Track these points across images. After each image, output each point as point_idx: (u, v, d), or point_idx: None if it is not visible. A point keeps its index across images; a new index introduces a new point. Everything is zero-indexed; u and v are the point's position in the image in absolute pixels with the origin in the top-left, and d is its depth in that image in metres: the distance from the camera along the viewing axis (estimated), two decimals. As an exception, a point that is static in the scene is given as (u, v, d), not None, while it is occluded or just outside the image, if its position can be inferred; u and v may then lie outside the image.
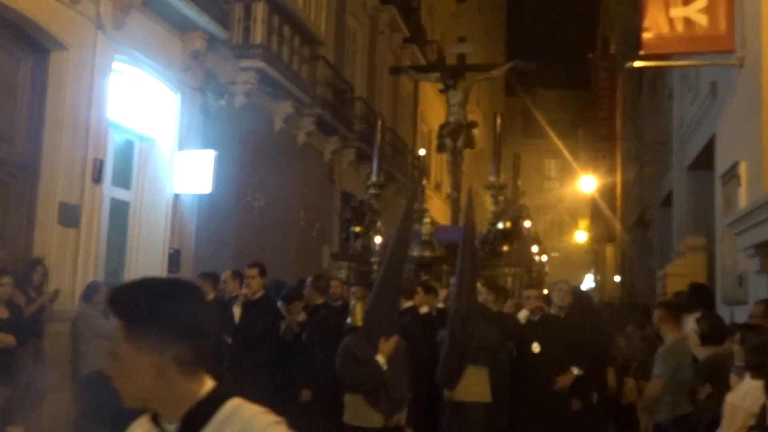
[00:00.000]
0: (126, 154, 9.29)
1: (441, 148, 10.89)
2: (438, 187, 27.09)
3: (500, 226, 8.97)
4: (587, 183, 26.74)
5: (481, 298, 6.68)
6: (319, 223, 14.88)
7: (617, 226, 22.61)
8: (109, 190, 8.91)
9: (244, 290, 6.73)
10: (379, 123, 9.49)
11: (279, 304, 7.02)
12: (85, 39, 7.66)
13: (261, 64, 10.81)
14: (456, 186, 10.94)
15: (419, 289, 6.83)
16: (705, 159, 8.47)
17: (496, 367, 5.76)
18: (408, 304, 6.49)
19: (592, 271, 36.69)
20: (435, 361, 5.76)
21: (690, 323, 5.68)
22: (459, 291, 5.75)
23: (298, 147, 13.65)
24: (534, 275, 9.85)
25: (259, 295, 6.68)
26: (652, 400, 5.35)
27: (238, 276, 7.55)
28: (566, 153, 29.71)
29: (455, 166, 10.80)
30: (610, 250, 26.36)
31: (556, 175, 47.18)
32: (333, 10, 15.15)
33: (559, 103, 44.43)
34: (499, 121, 9.87)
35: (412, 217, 6.24)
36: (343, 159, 16.02)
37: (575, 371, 6.12)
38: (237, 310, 6.51)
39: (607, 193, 23.88)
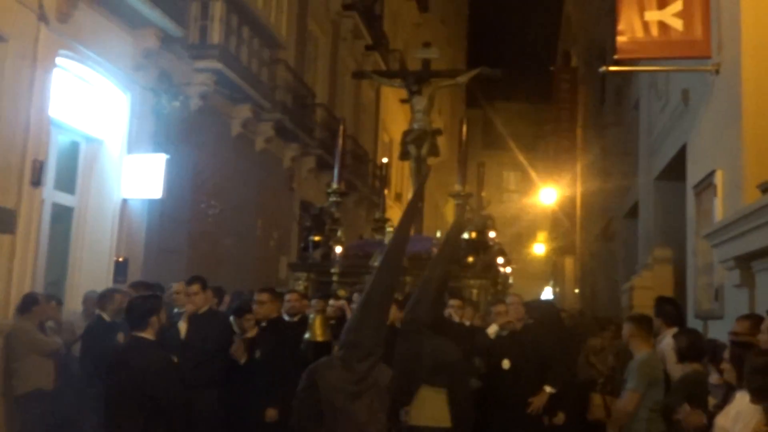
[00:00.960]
0: (70, 156, 8.72)
1: (404, 155, 10.53)
2: (399, 197, 26.80)
3: (465, 236, 8.65)
4: (547, 195, 26.77)
5: (451, 312, 6.34)
6: (278, 232, 14.40)
7: (577, 238, 22.59)
8: (50, 194, 8.33)
9: (189, 306, 6.27)
10: (341, 128, 9.10)
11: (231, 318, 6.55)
12: (25, 31, 7.11)
13: (218, 65, 10.34)
14: (420, 195, 10.58)
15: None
16: (674, 169, 8.29)
17: (455, 389, 5.18)
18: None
19: (551, 283, 36.79)
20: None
21: (667, 339, 5.42)
22: (416, 301, 5.21)
23: (256, 153, 13.18)
24: (500, 287, 9.54)
25: (204, 308, 6.22)
26: (628, 416, 5.05)
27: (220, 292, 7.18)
28: (526, 165, 29.71)
29: (419, 175, 10.45)
30: (569, 262, 26.37)
31: (516, 188, 47.43)
32: (294, 14, 14.75)
33: (519, 116, 44.68)
34: (464, 128, 9.56)
35: (413, 217, 5.37)
36: (302, 167, 15.58)
37: (548, 390, 5.82)
38: (183, 326, 6.03)
39: (568, 205, 23.88)
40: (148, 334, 4.53)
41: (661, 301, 8.02)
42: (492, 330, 6.06)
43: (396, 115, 25.95)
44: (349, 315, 6.71)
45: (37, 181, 7.26)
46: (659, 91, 8.87)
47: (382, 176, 12.08)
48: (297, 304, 6.57)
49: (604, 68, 6.82)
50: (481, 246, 8.78)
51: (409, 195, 25.51)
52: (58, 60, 7.63)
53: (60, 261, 8.54)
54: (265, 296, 6.28)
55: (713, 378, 5.20)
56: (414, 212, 4.52)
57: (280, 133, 13.63)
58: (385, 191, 12.04)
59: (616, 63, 6.86)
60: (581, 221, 22.01)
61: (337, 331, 5.66)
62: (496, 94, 42.18)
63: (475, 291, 8.55)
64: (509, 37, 43.31)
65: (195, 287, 6.35)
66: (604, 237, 14.65)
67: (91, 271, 8.61)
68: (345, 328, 3.92)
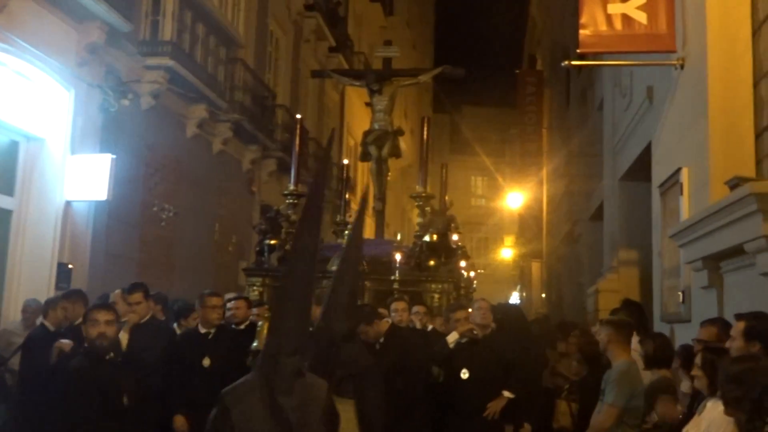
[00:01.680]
0: (9, 156, 8.24)
1: (365, 156, 10.20)
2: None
3: (426, 238, 8.34)
4: (514, 199, 26.65)
5: (414, 318, 6.04)
6: (237, 236, 13.96)
7: (544, 242, 22.48)
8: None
9: (131, 316, 5.86)
10: (298, 126, 8.74)
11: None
12: (-46, 21, 6.67)
13: (170, 63, 9.92)
14: (380, 197, 10.26)
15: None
16: (639, 169, 8.08)
17: (365, 399, 4.72)
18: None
19: (518, 288, 36.75)
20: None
21: (632, 344, 5.15)
22: (327, 309, 4.75)
23: (213, 155, 12.75)
24: (462, 292, 9.25)
25: (146, 317, 5.82)
26: None
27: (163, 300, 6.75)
28: (492, 170, 29.61)
29: (380, 176, 10.13)
30: (536, 266, 26.28)
31: (483, 193, 47.56)
32: (254, 13, 14.35)
33: (486, 121, 44.76)
34: (426, 127, 9.26)
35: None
36: (263, 169, 15.17)
37: (507, 394, 5.53)
38: (124, 336, 5.61)
39: (534, 209, 23.78)
40: None
41: (626, 305, 7.82)
42: (452, 338, 5.73)
43: (361, 119, 25.62)
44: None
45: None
46: (623, 89, 8.68)
47: (344, 178, 11.73)
48: (243, 312, 6.19)
49: (566, 62, 6.57)
50: (443, 249, 8.47)
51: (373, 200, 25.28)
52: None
53: (-3, 267, 8.05)
54: (137, 296, 5.87)
55: (684, 386, 4.93)
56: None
57: (238, 135, 13.21)
58: (348, 195, 11.66)
59: (580, 58, 6.61)
60: (547, 225, 21.91)
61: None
62: (463, 99, 42.22)
63: (436, 296, 8.23)
64: (475, 41, 43.40)
65: (137, 296, 5.96)
66: (569, 240, 14.49)
67: (32, 276, 8.13)
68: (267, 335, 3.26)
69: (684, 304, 5.81)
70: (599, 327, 4.52)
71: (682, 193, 5.86)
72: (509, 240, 39.92)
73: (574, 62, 6.51)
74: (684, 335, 5.54)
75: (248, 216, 14.45)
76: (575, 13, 8.06)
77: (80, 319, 6.25)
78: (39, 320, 6.63)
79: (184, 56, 10.43)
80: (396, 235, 8.64)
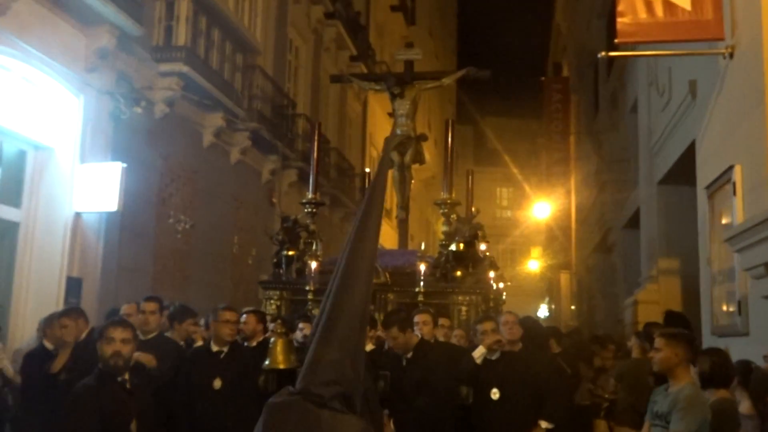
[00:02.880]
0: (16, 165, 7.91)
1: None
2: (387, 213, 26.03)
3: (453, 248, 7.84)
4: (541, 209, 26.02)
5: (425, 330, 5.57)
6: (257, 249, 13.56)
7: (573, 252, 21.83)
8: (-8, 208, 7.53)
9: (144, 327, 5.47)
10: (316, 131, 8.32)
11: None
12: (-46, 23, 6.35)
13: (184, 68, 9.57)
14: (403, 205, 9.77)
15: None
16: (681, 171, 7.54)
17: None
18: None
19: (546, 300, 35.98)
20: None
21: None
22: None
23: (231, 165, 12.38)
24: (492, 304, 8.72)
25: (153, 334, 5.40)
26: None
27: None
28: (519, 179, 29.00)
29: (402, 183, 9.64)
30: (564, 278, 25.58)
31: (509, 204, 47.03)
32: (272, 20, 14.03)
33: (510, 131, 44.24)
34: (450, 129, 8.79)
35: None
36: (283, 180, 14.78)
37: (545, 425, 4.98)
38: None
39: (562, 218, 23.14)
40: None
41: (669, 317, 7.24)
42: (478, 353, 5.22)
43: (384, 129, 25.23)
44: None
45: (-33, 192, 6.44)
46: (660, 88, 8.14)
47: (365, 187, 11.28)
48: (251, 327, 5.75)
49: (603, 54, 6.07)
50: (469, 258, 7.96)
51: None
52: (-5, 57, 6.84)
53: (5, 281, 7.70)
54: (152, 305, 5.55)
55: (743, 407, 4.38)
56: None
57: (257, 144, 12.85)
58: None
59: (615, 50, 6.10)
60: (577, 234, 21.27)
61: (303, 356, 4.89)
62: (486, 110, 41.72)
63: (464, 308, 7.72)
64: (499, 50, 42.88)
65: (152, 305, 5.59)
66: (601, 250, 13.88)
67: (40, 292, 7.77)
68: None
69: (740, 316, 5.25)
70: (658, 340, 3.91)
71: (734, 194, 5.32)
72: (536, 251, 39.20)
73: (611, 53, 6.01)
74: (740, 350, 4.98)
75: (268, 228, 14.04)
76: (602, 15, 7.60)
77: (83, 336, 5.91)
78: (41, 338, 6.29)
79: (199, 62, 10.09)
80: (420, 246, 8.14)
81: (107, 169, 8.19)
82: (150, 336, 5.40)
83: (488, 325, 5.23)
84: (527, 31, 40.83)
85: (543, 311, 35.12)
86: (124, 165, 8.23)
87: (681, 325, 6.80)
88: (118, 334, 3.92)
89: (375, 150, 24.31)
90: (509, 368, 5.05)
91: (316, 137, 8.47)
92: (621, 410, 6.83)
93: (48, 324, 6.36)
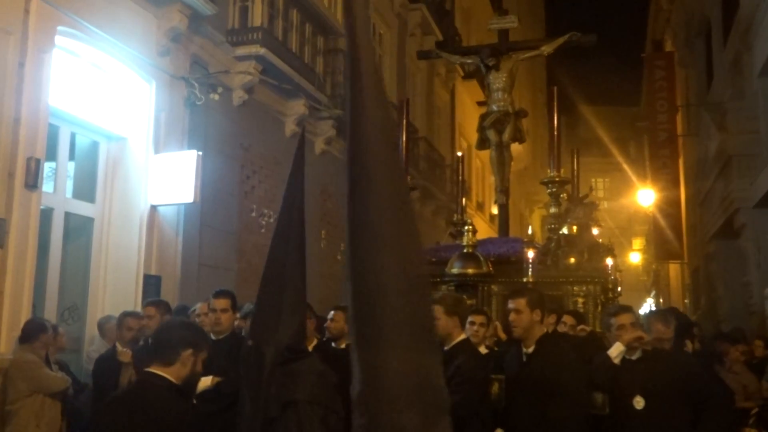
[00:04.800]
0: (90, 158, 7.47)
1: (483, 143, 8.82)
2: (480, 207, 24.95)
3: (565, 231, 6.85)
4: (645, 196, 24.27)
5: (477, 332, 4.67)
6: (345, 244, 12.88)
7: (684, 240, 20.13)
8: (65, 203, 7.10)
9: (215, 328, 4.82)
10: (404, 108, 7.49)
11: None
12: (11, 3, 5.88)
13: (261, 50, 8.94)
14: (503, 189, 8.80)
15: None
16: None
17: None
18: (460, 337, 4.41)
19: (653, 294, 33.90)
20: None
21: None
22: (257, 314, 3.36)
23: (315, 155, 11.73)
24: (610, 295, 7.66)
25: (226, 334, 4.72)
26: None
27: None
28: (623, 165, 27.31)
29: (501, 165, 8.68)
30: (674, 269, 23.77)
31: (605, 195, 45.13)
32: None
33: (604, 119, 42.27)
34: (555, 98, 7.78)
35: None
36: (370, 172, 14.06)
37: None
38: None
39: (670, 204, 21.41)
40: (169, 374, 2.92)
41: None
42: (615, 351, 4.22)
43: (473, 119, 24.22)
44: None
45: (33, 184, 5.97)
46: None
47: (460, 176, 10.32)
48: (340, 325, 4.98)
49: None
50: (584, 243, 6.95)
51: (490, 205, 23.68)
52: (58, 39, 6.36)
53: (79, 282, 7.26)
54: (224, 302, 4.94)
55: None
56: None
57: (342, 134, 12.15)
58: (464, 201, 10.12)
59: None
60: (689, 221, 19.60)
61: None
62: (579, 98, 39.95)
63: (580, 300, 6.72)
64: (592, 34, 40.97)
65: (224, 302, 4.94)
66: (725, 235, 12.45)
67: (117, 291, 7.30)
68: None
69: None
70: None
71: None
72: (637, 243, 37.17)
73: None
74: None
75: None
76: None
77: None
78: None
79: (277, 44, 9.45)
80: (528, 230, 7.18)
81: (183, 159, 7.64)
82: (222, 336, 4.72)
83: (626, 318, 4.22)
84: (621, 14, 38.80)
85: (645, 306, 33.08)
86: (200, 153, 7.65)
87: None
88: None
89: (465, 141, 23.34)
90: (656, 371, 4.03)
91: (404, 115, 7.64)
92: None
93: (119, 324, 5.84)
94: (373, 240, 1.26)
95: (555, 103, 7.68)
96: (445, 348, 4.24)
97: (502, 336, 5.43)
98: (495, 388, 4.23)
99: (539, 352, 4.07)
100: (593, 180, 44.72)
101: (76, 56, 6.91)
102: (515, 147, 9.25)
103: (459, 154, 10.10)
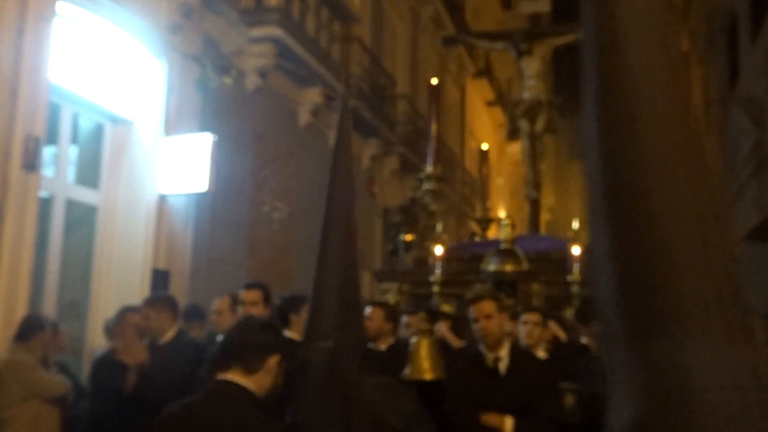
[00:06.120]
0: (93, 141, 6.87)
1: (514, 133, 8.27)
2: (514, 193, 24.38)
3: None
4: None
5: (531, 333, 4.10)
6: (358, 242, 12.28)
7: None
8: (67, 189, 6.49)
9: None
10: (435, 87, 6.90)
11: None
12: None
13: (278, 32, 8.36)
14: (535, 183, 8.25)
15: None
16: None
17: None
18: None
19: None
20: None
21: None
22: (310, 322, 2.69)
23: (329, 148, 11.11)
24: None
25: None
26: None
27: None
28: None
29: (534, 156, 8.15)
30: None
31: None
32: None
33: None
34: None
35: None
36: (384, 167, 13.47)
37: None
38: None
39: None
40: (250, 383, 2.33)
41: None
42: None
43: (482, 120, 23.68)
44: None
45: (31, 165, 5.36)
46: None
47: (480, 169, 9.77)
48: (377, 324, 4.39)
49: None
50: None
51: (497, 209, 23.11)
52: (60, 6, 5.75)
53: (80, 275, 6.65)
54: (255, 295, 4.39)
55: None
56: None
57: (357, 126, 11.57)
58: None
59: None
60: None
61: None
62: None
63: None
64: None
65: (255, 294, 4.37)
66: (760, 237, 11.87)
67: (122, 286, 6.68)
68: None
69: None
70: None
71: None
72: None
73: None
74: None
75: (369, 220, 12.77)
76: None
77: (168, 337, 4.74)
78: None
79: (294, 27, 8.87)
80: (572, 224, 6.58)
81: (195, 142, 7.03)
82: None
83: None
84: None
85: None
86: (217, 140, 7.05)
87: None
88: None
89: (474, 142, 22.79)
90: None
91: (435, 100, 7.06)
92: None
93: (119, 321, 5.23)
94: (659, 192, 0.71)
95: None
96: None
97: (562, 336, 4.84)
98: (569, 399, 3.64)
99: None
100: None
101: (78, 27, 6.30)
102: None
103: (485, 147, 9.52)
